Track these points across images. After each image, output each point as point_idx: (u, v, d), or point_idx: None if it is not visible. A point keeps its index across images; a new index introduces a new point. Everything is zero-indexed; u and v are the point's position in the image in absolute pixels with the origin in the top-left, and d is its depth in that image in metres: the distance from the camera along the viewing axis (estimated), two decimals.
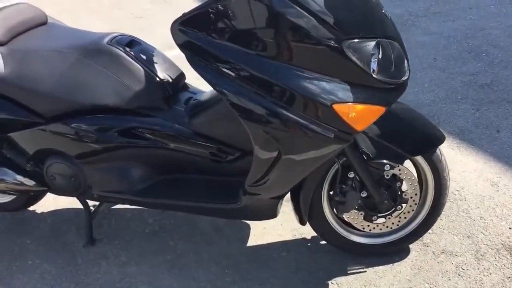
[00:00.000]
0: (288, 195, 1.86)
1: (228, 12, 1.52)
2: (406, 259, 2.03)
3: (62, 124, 1.88)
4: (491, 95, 3.15)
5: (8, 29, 1.95)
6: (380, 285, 1.94)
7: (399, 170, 1.83)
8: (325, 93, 1.53)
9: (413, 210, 1.93)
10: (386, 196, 1.86)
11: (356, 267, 2.01)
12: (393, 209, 1.90)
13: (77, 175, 1.95)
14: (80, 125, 1.87)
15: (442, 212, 2.02)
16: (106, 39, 1.86)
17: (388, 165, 1.81)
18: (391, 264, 2.01)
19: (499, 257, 2.02)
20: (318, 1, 1.48)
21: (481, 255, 2.03)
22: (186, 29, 1.59)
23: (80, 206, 2.12)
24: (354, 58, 1.51)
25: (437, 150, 1.86)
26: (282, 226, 2.21)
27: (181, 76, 1.99)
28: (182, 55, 1.63)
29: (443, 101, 3.12)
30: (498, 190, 2.37)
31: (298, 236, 2.17)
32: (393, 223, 1.95)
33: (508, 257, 2.02)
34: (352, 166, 1.79)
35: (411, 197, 1.90)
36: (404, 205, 1.92)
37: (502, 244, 2.08)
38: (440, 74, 3.44)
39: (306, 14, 1.48)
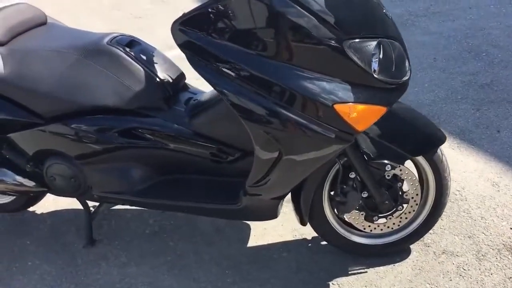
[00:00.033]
0: (289, 195, 1.86)
1: (228, 12, 1.52)
2: (407, 260, 2.03)
3: (62, 125, 1.87)
4: (491, 95, 3.15)
5: (8, 29, 1.94)
6: (381, 285, 1.93)
7: (400, 170, 1.83)
8: (326, 93, 1.52)
9: (414, 211, 1.93)
10: (387, 196, 1.85)
11: (357, 268, 2.01)
12: (394, 209, 1.90)
13: (77, 176, 1.94)
14: (80, 126, 1.86)
15: (443, 212, 2.02)
16: (106, 39, 1.86)
17: (389, 165, 1.80)
18: (392, 265, 2.01)
19: (500, 257, 2.01)
20: (318, 0, 1.48)
21: (482, 255, 2.03)
22: (187, 29, 1.58)
23: (80, 206, 2.11)
24: (355, 58, 1.51)
25: (438, 150, 1.86)
26: (283, 227, 2.21)
27: (181, 76, 1.99)
28: (182, 55, 1.62)
29: (443, 101, 3.12)
30: (499, 190, 2.36)
31: (298, 237, 2.16)
32: (394, 224, 1.94)
33: (510, 257, 2.01)
34: (353, 166, 1.79)
35: (412, 198, 1.89)
36: (405, 205, 1.91)
37: (503, 244, 2.07)
38: (440, 74, 3.44)
39: (307, 13, 1.47)
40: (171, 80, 1.89)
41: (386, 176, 1.83)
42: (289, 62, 1.53)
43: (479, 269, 1.97)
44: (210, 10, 1.53)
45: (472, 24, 4.18)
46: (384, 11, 1.64)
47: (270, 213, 1.85)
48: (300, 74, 1.53)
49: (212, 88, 1.66)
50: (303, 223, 1.91)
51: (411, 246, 2.07)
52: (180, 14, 1.59)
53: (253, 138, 1.62)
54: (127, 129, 1.85)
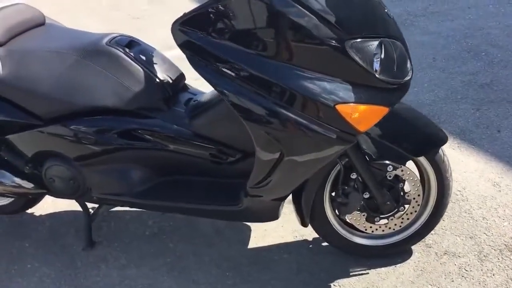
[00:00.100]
0: (290, 196, 1.85)
1: (229, 12, 1.51)
2: (408, 261, 2.02)
3: (61, 126, 1.86)
4: (491, 95, 3.14)
5: (6, 30, 1.93)
6: (383, 287, 1.92)
7: (402, 171, 1.82)
8: (327, 94, 1.51)
9: (415, 211, 1.92)
10: (388, 197, 1.84)
11: (358, 269, 2.00)
12: (396, 210, 1.89)
13: (76, 177, 1.93)
14: (79, 127, 1.85)
15: (444, 213, 2.01)
16: (105, 40, 1.85)
17: (390, 166, 1.79)
18: (394, 266, 2.00)
19: (502, 257, 2.01)
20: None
21: (484, 256, 2.02)
22: (187, 29, 1.57)
23: (79, 208, 2.10)
24: (356, 58, 1.50)
25: (440, 151, 1.85)
26: (283, 228, 2.20)
27: (181, 76, 1.98)
28: (182, 55, 1.61)
29: (443, 101, 3.11)
30: (500, 190, 2.35)
31: (299, 238, 2.15)
32: (395, 224, 1.93)
33: None
34: (354, 167, 1.77)
35: (414, 198, 1.88)
36: (406, 206, 1.90)
37: (505, 244, 2.06)
38: (440, 74, 3.43)
39: (308, 13, 1.46)
40: (170, 81, 1.88)
41: (387, 177, 1.82)
42: (289, 62, 1.52)
43: (481, 270, 1.96)
44: (210, 10, 1.53)
45: (471, 24, 4.18)
46: (386, 10, 1.63)
47: (271, 214, 1.84)
48: (301, 74, 1.52)
49: (212, 89, 1.65)
50: (304, 224, 1.90)
51: (413, 247, 2.06)
52: (179, 15, 1.58)
53: (254, 139, 1.61)
54: (127, 130, 1.84)
